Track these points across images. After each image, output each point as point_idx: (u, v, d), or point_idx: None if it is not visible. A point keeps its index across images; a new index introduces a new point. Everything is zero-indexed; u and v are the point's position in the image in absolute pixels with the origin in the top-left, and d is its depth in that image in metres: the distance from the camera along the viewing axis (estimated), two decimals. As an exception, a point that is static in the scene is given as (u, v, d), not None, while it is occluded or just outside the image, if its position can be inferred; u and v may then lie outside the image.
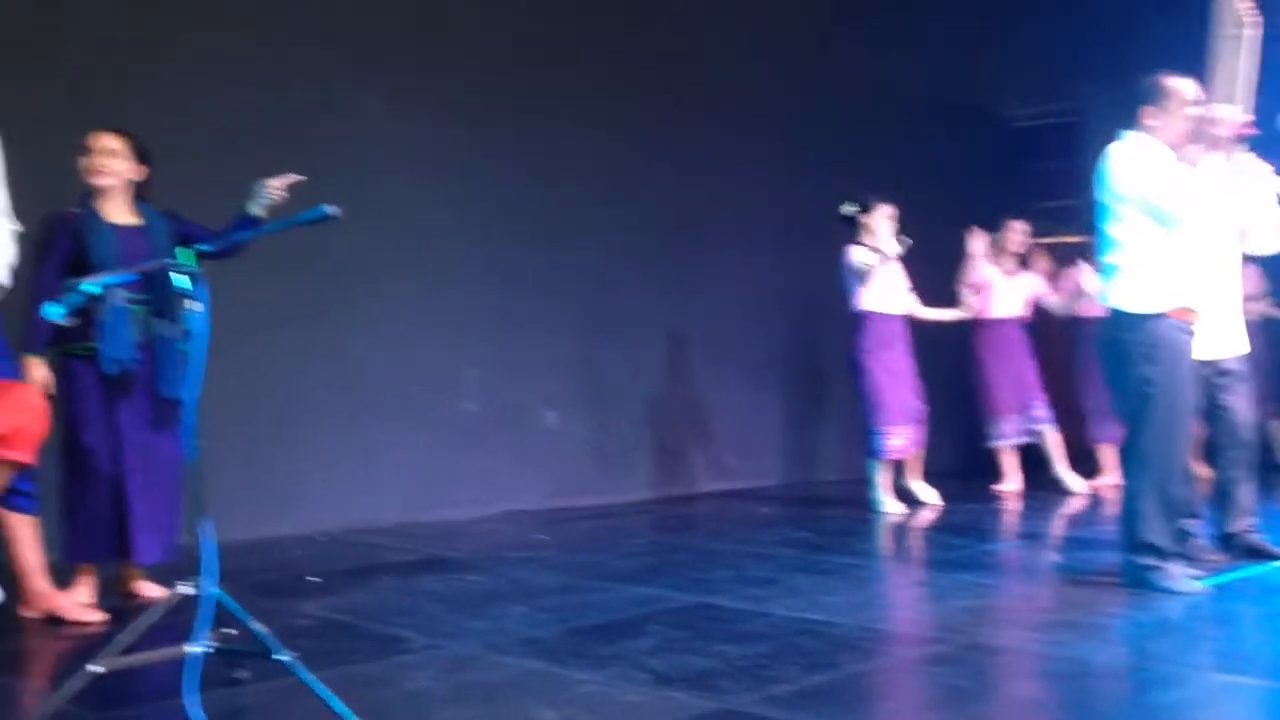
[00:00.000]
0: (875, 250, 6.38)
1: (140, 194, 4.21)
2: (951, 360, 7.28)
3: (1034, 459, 7.30)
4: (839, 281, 6.48)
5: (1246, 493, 4.67)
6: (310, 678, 2.87)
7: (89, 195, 4.12)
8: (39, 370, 3.92)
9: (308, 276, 5.64)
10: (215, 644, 2.95)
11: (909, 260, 6.52)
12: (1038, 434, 7.20)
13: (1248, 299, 5.20)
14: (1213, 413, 4.57)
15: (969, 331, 7.25)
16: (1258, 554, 4.64)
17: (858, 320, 6.45)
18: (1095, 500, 6.95)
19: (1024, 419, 7.17)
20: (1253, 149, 4.47)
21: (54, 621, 3.93)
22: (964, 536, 5.68)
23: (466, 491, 6.32)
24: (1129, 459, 4.31)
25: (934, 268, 6.82)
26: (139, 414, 4.07)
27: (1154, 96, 4.22)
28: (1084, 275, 7.12)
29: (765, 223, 7.61)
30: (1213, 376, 4.54)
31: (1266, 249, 4.75)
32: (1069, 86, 8.41)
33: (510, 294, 6.54)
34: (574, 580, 4.62)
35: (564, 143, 6.72)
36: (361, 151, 5.91)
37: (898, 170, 7.55)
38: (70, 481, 4.08)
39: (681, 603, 4.17)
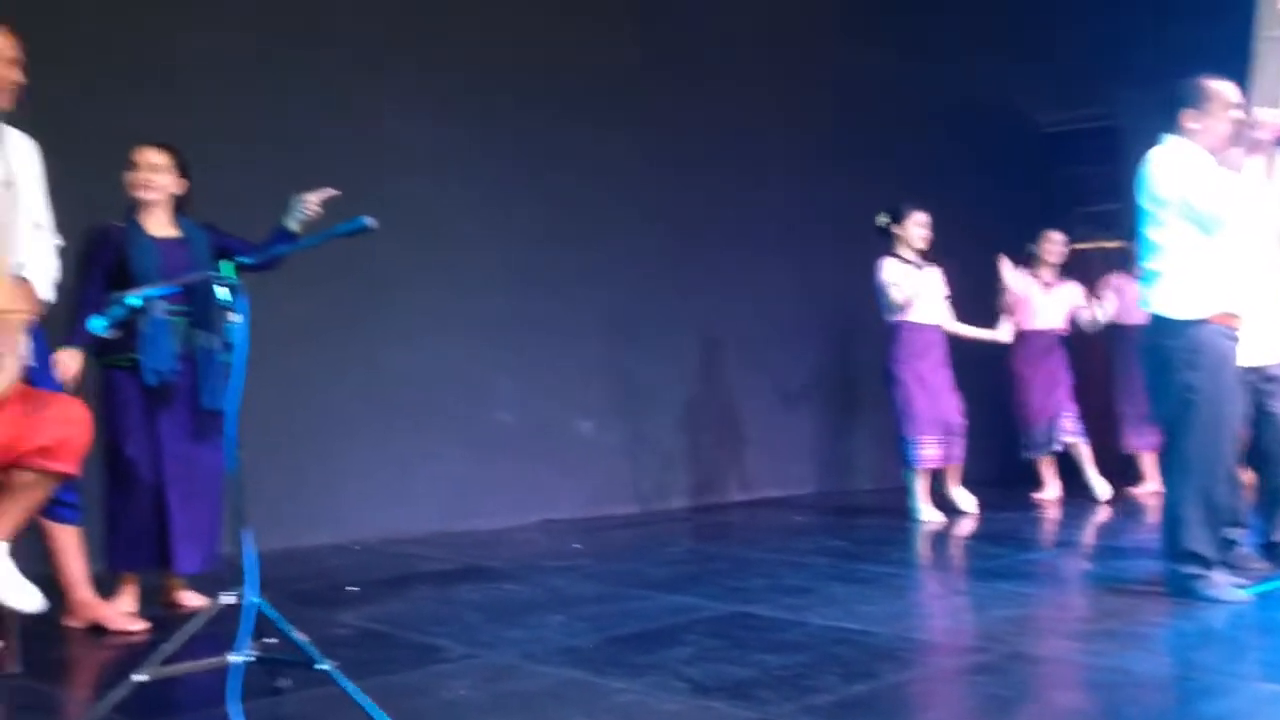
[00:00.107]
0: (907, 262, 6.36)
1: (180, 207, 4.26)
2: (990, 369, 7.23)
3: (1072, 467, 7.23)
4: (873, 291, 6.45)
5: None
6: (351, 687, 2.88)
7: (131, 208, 4.17)
8: (74, 361, 3.94)
9: (343, 288, 5.68)
10: (257, 653, 2.97)
11: (944, 268, 6.49)
12: (1068, 445, 7.14)
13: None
14: (1259, 419, 4.50)
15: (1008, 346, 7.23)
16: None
17: (891, 330, 6.42)
18: (1136, 508, 6.88)
19: (1054, 429, 7.11)
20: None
21: (97, 631, 3.97)
22: (1003, 545, 5.64)
23: (502, 501, 6.34)
24: (1171, 466, 4.26)
25: (969, 276, 6.77)
26: (180, 425, 4.11)
27: (1194, 100, 4.18)
28: (1114, 288, 7.11)
29: (801, 231, 7.59)
30: (1259, 383, 4.48)
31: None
32: (1107, 90, 8.34)
33: (545, 303, 6.56)
34: (611, 589, 4.62)
35: (601, 151, 6.74)
36: (395, 162, 5.95)
37: (934, 178, 7.51)
38: (113, 492, 4.13)
39: (718, 611, 4.16)
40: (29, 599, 3.17)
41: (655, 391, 7.10)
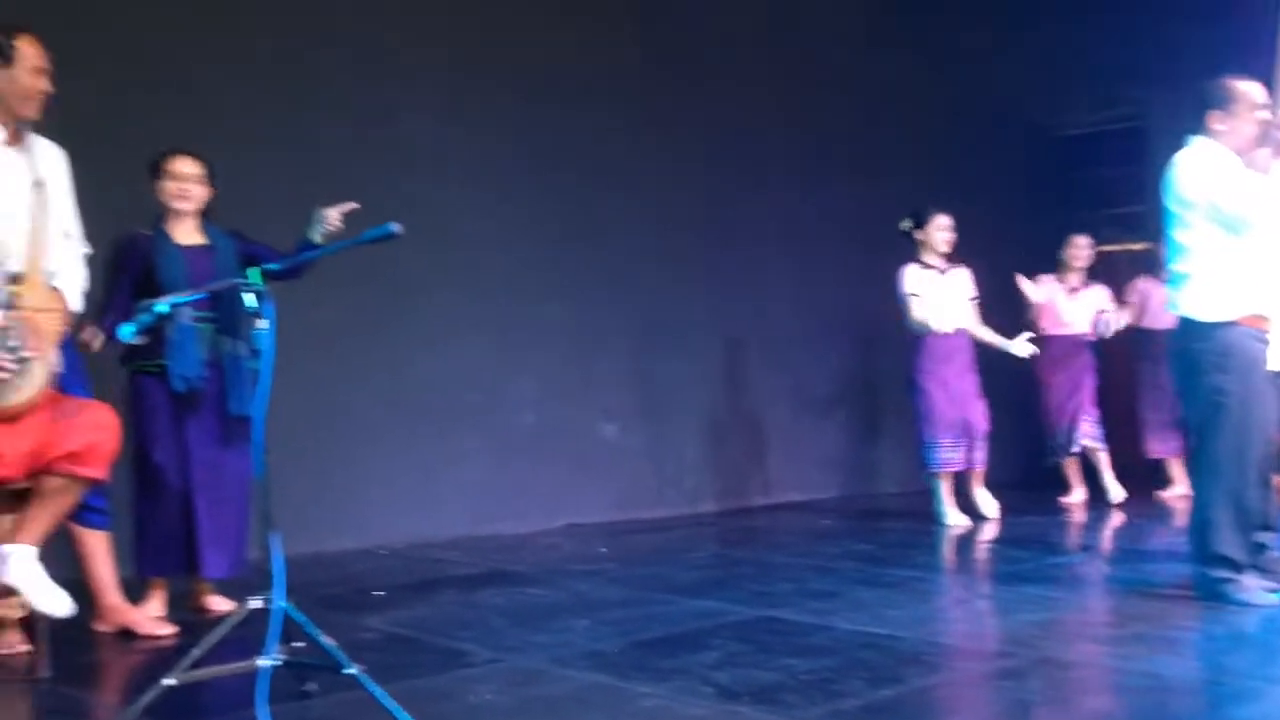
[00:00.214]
0: (929, 266, 6.34)
1: (205, 214, 4.29)
2: (1017, 374, 7.21)
3: (1093, 470, 7.19)
4: (896, 297, 6.43)
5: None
6: (378, 691, 2.89)
7: (160, 216, 4.20)
8: (95, 340, 3.93)
9: (367, 294, 5.71)
10: (285, 657, 2.99)
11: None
12: (1086, 448, 7.09)
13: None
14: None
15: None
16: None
17: (914, 338, 6.40)
18: (1164, 512, 6.83)
19: (1073, 432, 7.06)
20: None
21: (126, 635, 4.00)
22: (1029, 549, 5.60)
23: (527, 505, 6.34)
24: (1200, 470, 4.23)
25: (994, 279, 6.74)
26: (207, 431, 4.14)
27: (1221, 101, 4.15)
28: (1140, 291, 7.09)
29: (825, 234, 7.57)
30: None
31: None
32: (1132, 92, 8.29)
33: (568, 307, 6.57)
34: (636, 593, 4.62)
35: (626, 155, 6.74)
36: (419, 168, 5.97)
37: (959, 182, 7.49)
38: (141, 497, 4.16)
39: (744, 616, 4.15)
40: (58, 603, 3.19)
41: (679, 395, 7.09)
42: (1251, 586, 4.07)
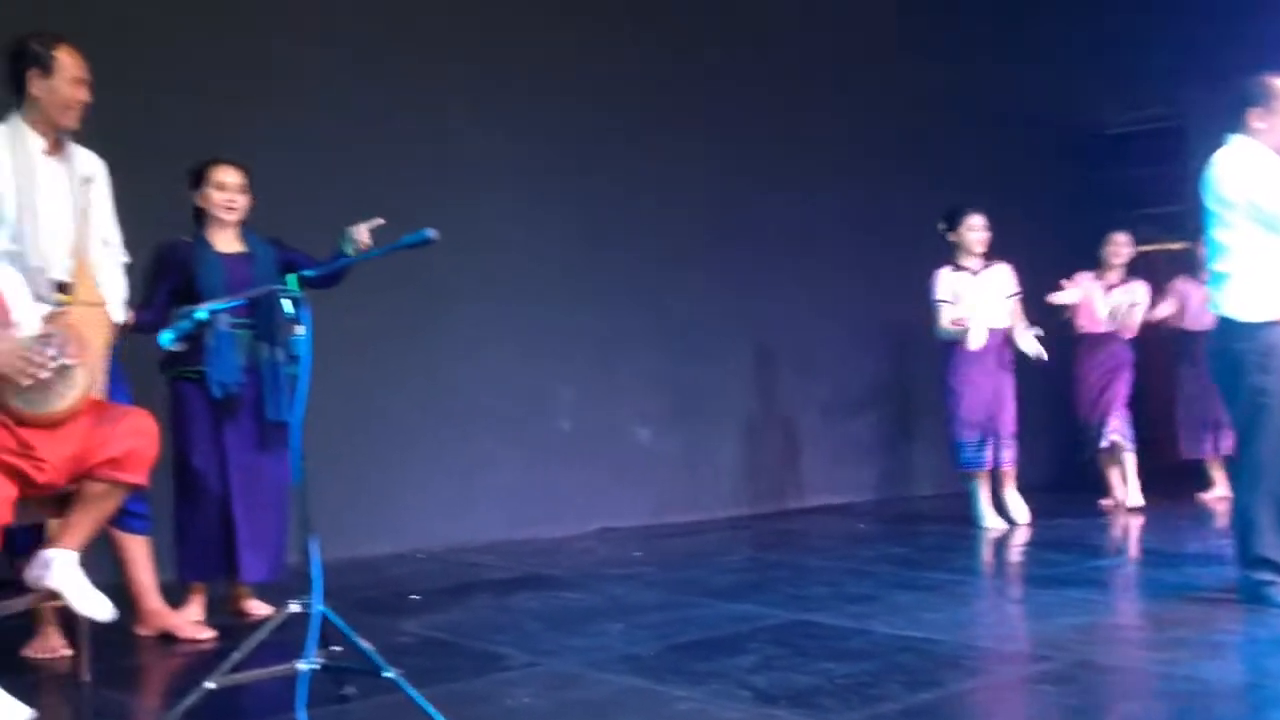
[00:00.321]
0: (962, 268, 6.30)
1: (242, 221, 4.32)
2: (1055, 375, 7.16)
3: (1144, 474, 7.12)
4: (930, 300, 6.40)
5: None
6: (416, 695, 2.90)
7: (201, 224, 4.24)
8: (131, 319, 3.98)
9: (404, 300, 5.73)
10: (324, 661, 3.00)
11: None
12: (1114, 444, 7.01)
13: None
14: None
15: (1071, 346, 7.14)
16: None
17: (947, 340, 6.37)
18: (1206, 514, 6.75)
19: (1102, 428, 7.00)
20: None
21: (167, 639, 4.04)
22: (1069, 552, 5.55)
23: (562, 509, 6.35)
24: (1242, 471, 4.18)
25: (1033, 278, 6.68)
26: (245, 436, 4.17)
27: (1260, 98, 4.10)
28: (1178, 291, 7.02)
29: (859, 237, 7.55)
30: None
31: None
32: (1171, 90, 8.22)
33: (603, 313, 6.57)
34: (672, 597, 4.62)
35: (658, 163, 6.74)
36: (455, 174, 6.00)
37: (997, 182, 7.46)
38: (181, 502, 4.19)
39: (781, 620, 4.14)
40: (100, 608, 3.22)
41: (713, 399, 7.08)
42: (1295, 590, 4.02)
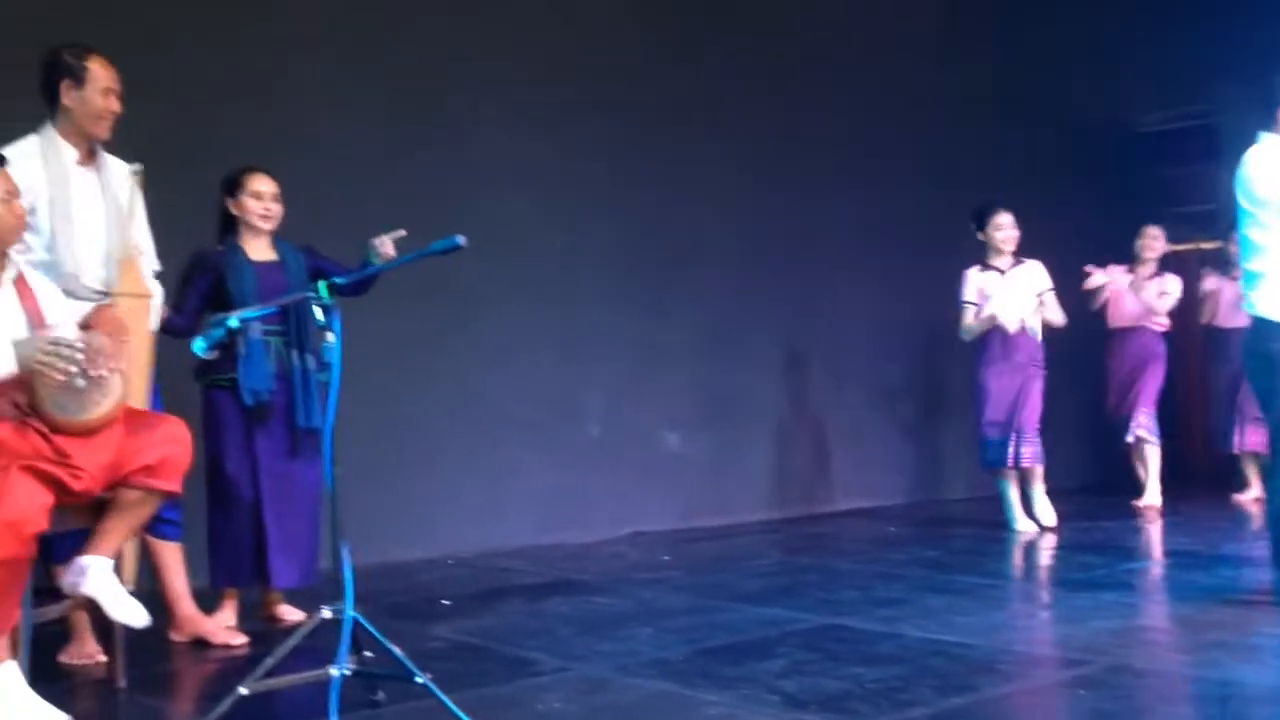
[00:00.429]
0: (990, 268, 6.27)
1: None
2: (1089, 377, 7.11)
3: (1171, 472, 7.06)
4: (958, 300, 6.37)
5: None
6: (448, 700, 2.91)
7: (234, 232, 4.27)
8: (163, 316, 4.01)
9: (433, 306, 5.75)
10: (356, 666, 3.02)
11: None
12: (1139, 438, 6.95)
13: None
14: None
15: (1104, 342, 7.10)
16: None
17: (979, 337, 6.33)
18: (1242, 516, 6.68)
19: (1130, 422, 6.94)
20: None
21: (200, 644, 4.07)
22: (1103, 555, 5.51)
23: (592, 514, 6.36)
24: (1276, 473, 4.13)
25: (1065, 277, 6.64)
26: (277, 443, 4.19)
27: (1293, 96, 4.06)
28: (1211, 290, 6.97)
29: (890, 240, 7.51)
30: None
31: None
32: (1205, 88, 8.15)
33: (631, 317, 6.58)
34: (701, 601, 4.61)
35: (689, 168, 6.74)
36: (483, 179, 6.01)
37: (1030, 182, 7.42)
38: (214, 509, 4.22)
39: (811, 624, 4.12)
40: (134, 614, 3.25)
41: (742, 403, 7.07)
42: (1334, 592, 3.97)
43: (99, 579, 3.22)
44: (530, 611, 4.55)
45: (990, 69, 7.91)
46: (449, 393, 5.93)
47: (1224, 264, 7.09)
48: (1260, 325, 4.10)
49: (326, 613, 3.01)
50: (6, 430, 3.00)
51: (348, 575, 3.00)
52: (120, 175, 3.85)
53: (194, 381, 4.22)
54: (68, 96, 3.69)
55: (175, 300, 4.14)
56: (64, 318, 3.30)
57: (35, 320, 3.21)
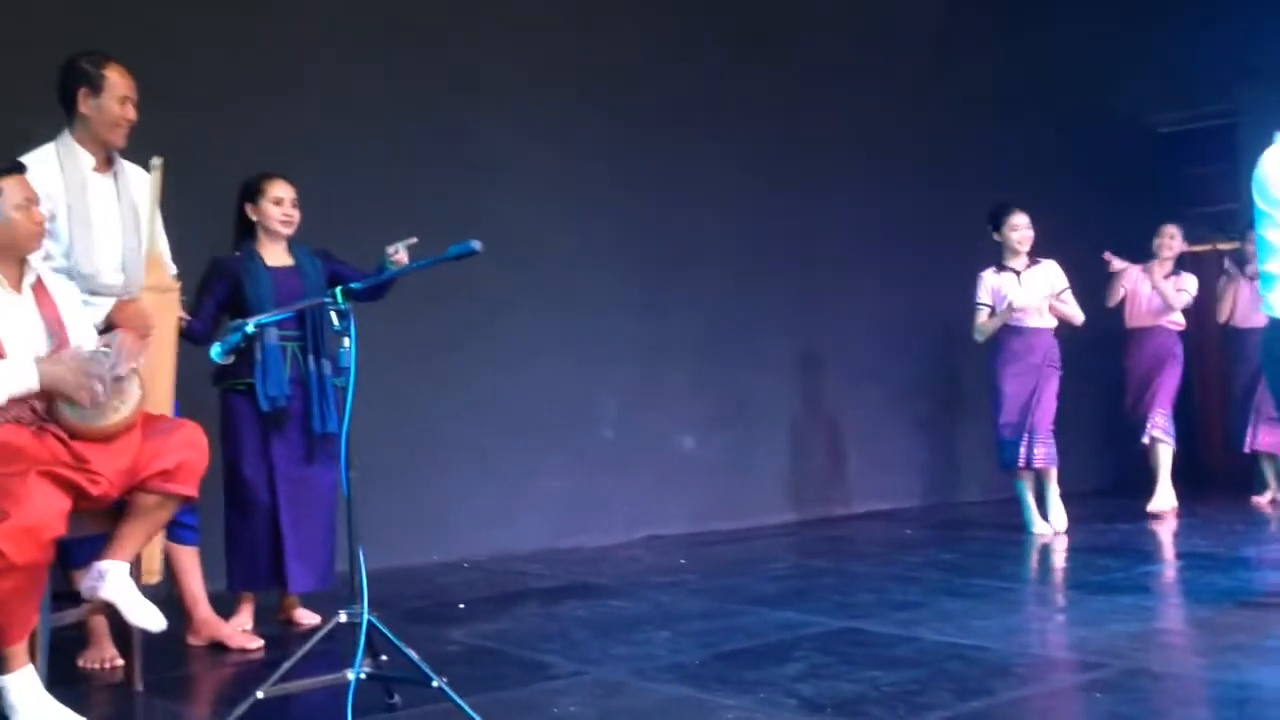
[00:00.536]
0: (1005, 268, 6.26)
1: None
2: (1107, 377, 7.08)
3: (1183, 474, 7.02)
4: (973, 302, 6.35)
5: None
6: (463, 704, 2.91)
7: (251, 237, 4.29)
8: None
9: (449, 310, 5.76)
10: (372, 670, 3.02)
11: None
12: (1154, 439, 6.91)
13: None
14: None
15: (1121, 342, 7.08)
16: None
17: (996, 335, 6.32)
18: (1261, 518, 6.64)
19: (1145, 422, 6.91)
20: None
21: (217, 648, 4.08)
22: (1120, 557, 5.48)
23: (608, 518, 6.36)
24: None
25: (1083, 278, 6.62)
26: (293, 448, 4.20)
27: (1311, 95, 4.04)
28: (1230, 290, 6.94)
29: (906, 241, 7.50)
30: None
31: None
32: (1223, 89, 8.12)
33: (646, 320, 6.58)
34: (717, 605, 4.60)
35: (698, 168, 6.74)
36: (497, 184, 6.02)
37: (1048, 180, 7.40)
38: (231, 514, 4.24)
39: (827, 627, 4.11)
40: (151, 618, 3.27)
41: (758, 405, 7.06)
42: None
43: (117, 583, 3.23)
44: (546, 615, 4.55)
45: (1010, 69, 7.89)
46: (464, 397, 5.94)
47: (1241, 263, 7.08)
48: (1277, 327, 4.08)
49: (342, 616, 3.02)
50: (25, 436, 3.02)
51: (363, 579, 3.01)
52: (137, 181, 3.87)
53: (211, 386, 4.24)
54: (85, 104, 3.71)
55: (192, 306, 4.16)
56: (84, 328, 3.32)
57: (54, 328, 3.23)
